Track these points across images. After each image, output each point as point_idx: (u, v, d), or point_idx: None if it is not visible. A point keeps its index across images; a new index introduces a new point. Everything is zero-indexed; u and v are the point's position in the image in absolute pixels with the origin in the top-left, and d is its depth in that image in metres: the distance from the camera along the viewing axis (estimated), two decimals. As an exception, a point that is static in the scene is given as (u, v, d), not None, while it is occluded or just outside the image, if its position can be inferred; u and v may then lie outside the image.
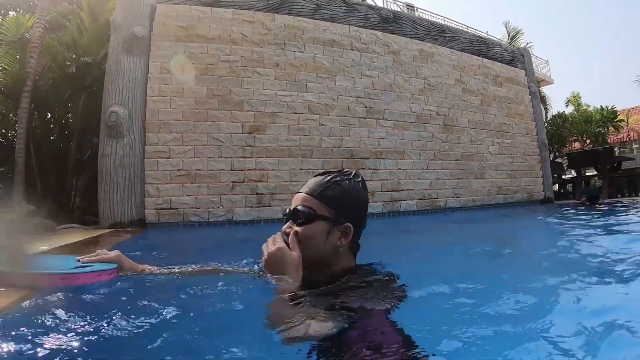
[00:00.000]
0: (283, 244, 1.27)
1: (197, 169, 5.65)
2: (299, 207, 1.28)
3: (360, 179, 1.37)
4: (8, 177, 6.10)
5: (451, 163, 7.77)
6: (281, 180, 5.96)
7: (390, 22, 7.60)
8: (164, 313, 1.13)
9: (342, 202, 1.29)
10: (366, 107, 6.77)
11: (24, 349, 0.87)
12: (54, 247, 3.26)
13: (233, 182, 5.74)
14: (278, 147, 6.00)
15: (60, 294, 1.24)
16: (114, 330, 1.00)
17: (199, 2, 6.27)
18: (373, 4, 8.63)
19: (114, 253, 1.52)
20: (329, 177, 1.33)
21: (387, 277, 1.31)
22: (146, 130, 5.64)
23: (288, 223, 1.32)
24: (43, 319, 1.04)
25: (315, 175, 1.38)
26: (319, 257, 1.28)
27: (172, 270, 1.53)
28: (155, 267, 1.54)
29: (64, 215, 5.73)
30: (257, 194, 5.85)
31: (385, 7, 9.25)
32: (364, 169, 6.57)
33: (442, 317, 1.32)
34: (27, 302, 1.21)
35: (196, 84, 5.84)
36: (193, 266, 1.59)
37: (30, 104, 5.99)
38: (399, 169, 6.99)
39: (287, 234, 1.29)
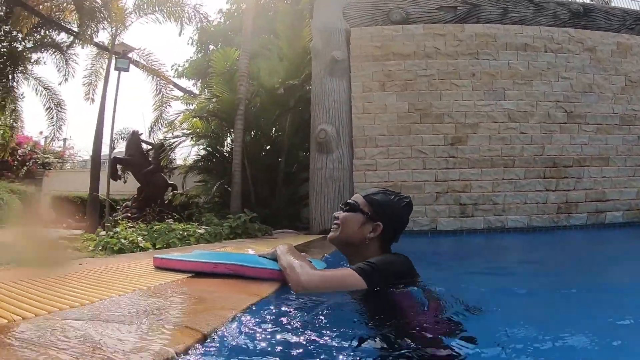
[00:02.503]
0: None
1: (402, 181, 5.89)
2: (349, 200, 1.69)
3: (406, 202, 1.69)
4: (225, 189, 7.07)
5: (660, 168, 6.84)
6: (484, 190, 5.90)
7: (581, 16, 7.00)
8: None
9: (381, 207, 1.63)
10: (566, 111, 6.33)
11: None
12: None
13: (437, 192, 5.86)
14: (480, 157, 5.95)
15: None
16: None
17: (389, 21, 6.55)
18: (560, -1, 8.03)
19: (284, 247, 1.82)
20: (382, 189, 1.72)
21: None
22: (353, 145, 6.06)
23: (337, 211, 1.70)
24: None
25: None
26: (350, 240, 1.64)
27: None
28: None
29: (275, 222, 6.45)
30: (461, 204, 5.87)
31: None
32: (567, 177, 6.16)
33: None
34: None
35: (397, 100, 6.10)
36: None
37: (243, 125, 6.86)
38: (604, 177, 6.38)
39: (334, 217, 1.69)
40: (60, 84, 10.07)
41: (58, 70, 9.89)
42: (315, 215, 6.06)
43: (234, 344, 0.99)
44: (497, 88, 6.18)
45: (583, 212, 6.21)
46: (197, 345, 0.93)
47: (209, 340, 0.98)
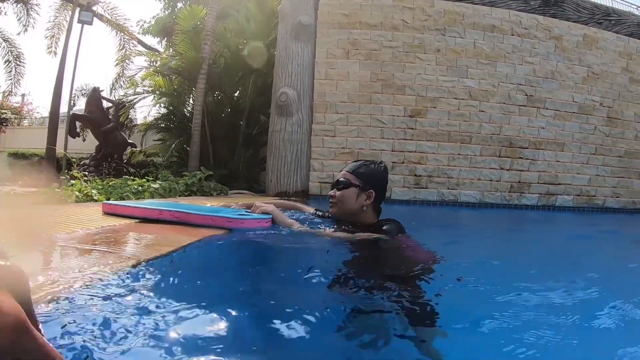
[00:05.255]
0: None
1: (359, 148, 5.88)
2: (340, 178, 1.92)
3: (383, 166, 1.99)
4: (184, 148, 6.93)
5: (613, 159, 7.02)
6: (440, 164, 5.94)
7: (551, 5, 7.08)
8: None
9: (368, 176, 1.90)
10: (527, 94, 6.42)
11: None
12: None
13: (393, 162, 5.86)
14: (438, 131, 5.98)
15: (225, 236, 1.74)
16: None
17: (361, -10, 6.48)
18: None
19: (270, 207, 2.04)
20: (361, 161, 2.00)
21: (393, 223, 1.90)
22: (314, 110, 6.02)
23: (332, 190, 1.94)
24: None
25: (354, 161, 2.05)
26: (350, 212, 1.90)
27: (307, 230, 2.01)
28: (298, 225, 2.01)
29: (233, 182, 6.37)
30: (416, 175, 5.90)
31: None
32: (521, 158, 6.25)
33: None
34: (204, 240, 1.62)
35: (360, 69, 6.07)
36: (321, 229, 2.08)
37: (205, 85, 6.70)
38: (558, 161, 6.51)
39: (331, 196, 1.93)
40: (19, 34, 9.65)
41: (18, 20, 9.47)
42: (272, 177, 6.00)
43: (164, 270, 1.10)
44: (460, 65, 6.21)
45: (535, 193, 6.33)
46: (130, 269, 1.03)
47: (140, 266, 1.08)
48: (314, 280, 1.30)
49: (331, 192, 1.96)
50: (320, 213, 2.35)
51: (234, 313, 0.90)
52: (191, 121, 6.59)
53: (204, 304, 0.92)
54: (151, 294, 0.93)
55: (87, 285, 0.88)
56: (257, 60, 6.58)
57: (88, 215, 2.14)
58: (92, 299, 0.83)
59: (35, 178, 8.99)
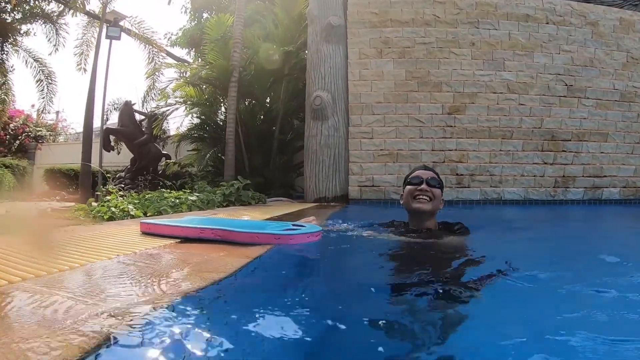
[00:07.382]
0: None
1: (398, 149, 5.78)
2: (431, 177, 2.07)
3: None
4: (219, 157, 6.93)
5: (658, 147, 6.76)
6: (481, 161, 5.80)
7: (585, -10, 6.87)
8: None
9: (442, 184, 2.13)
10: (566, 84, 6.22)
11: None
12: (272, 215, 3.60)
13: (434, 162, 5.74)
14: (478, 127, 5.84)
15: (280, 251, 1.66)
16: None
17: (389, -13, 6.38)
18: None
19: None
20: (431, 167, 2.24)
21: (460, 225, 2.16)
22: (349, 112, 5.93)
23: (424, 185, 2.03)
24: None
25: (424, 164, 2.46)
26: (435, 211, 2.07)
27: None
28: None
29: (269, 190, 6.35)
30: (457, 174, 5.77)
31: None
32: (565, 151, 6.06)
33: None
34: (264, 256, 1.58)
35: (395, 67, 5.96)
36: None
37: (237, 92, 6.69)
38: (602, 152, 6.29)
39: (424, 190, 2.02)
40: (50, 54, 9.92)
41: (48, 41, 9.65)
42: (310, 183, 5.94)
43: (218, 304, 1.04)
44: (496, 58, 6.05)
45: (580, 187, 6.13)
46: (180, 302, 0.97)
47: (192, 299, 1.02)
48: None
49: (425, 187, 2.04)
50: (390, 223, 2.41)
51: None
52: (225, 130, 6.58)
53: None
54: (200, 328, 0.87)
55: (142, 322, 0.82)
56: (284, 66, 6.53)
57: (125, 236, 2.07)
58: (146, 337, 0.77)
59: (72, 193, 9.17)
